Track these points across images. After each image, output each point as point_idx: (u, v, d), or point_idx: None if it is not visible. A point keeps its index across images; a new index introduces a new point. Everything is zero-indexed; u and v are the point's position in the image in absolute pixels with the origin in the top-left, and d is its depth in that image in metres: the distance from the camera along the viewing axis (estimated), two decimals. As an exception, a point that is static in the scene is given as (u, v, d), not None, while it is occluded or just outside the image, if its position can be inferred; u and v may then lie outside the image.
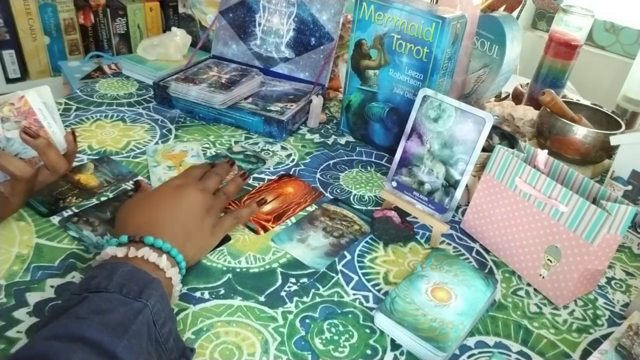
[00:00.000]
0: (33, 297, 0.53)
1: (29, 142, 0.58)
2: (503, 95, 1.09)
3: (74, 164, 0.72)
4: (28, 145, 0.58)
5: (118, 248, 0.50)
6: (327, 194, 0.75)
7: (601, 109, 0.89)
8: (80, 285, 0.45)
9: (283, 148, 0.87)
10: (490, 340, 0.55)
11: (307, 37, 0.98)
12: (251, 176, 0.78)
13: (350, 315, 0.56)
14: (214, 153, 0.83)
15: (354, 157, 0.87)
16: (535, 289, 0.62)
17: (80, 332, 0.38)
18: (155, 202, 0.57)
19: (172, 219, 0.56)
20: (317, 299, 0.57)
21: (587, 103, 0.94)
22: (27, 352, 0.38)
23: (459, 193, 0.64)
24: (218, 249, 0.63)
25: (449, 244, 0.69)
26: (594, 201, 0.59)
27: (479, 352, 0.53)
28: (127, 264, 0.47)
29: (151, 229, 0.53)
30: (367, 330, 0.54)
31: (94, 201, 0.68)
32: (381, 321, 0.54)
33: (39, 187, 0.62)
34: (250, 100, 0.93)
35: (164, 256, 0.51)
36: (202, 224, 0.58)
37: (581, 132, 0.80)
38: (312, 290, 0.58)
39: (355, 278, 0.61)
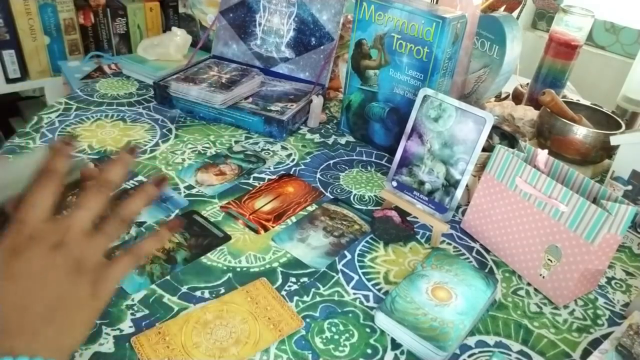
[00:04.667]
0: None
1: None
2: (503, 95, 1.09)
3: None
4: None
5: None
6: (328, 194, 0.75)
7: (601, 109, 0.89)
8: None
9: (283, 148, 0.87)
10: (491, 339, 0.55)
11: (307, 37, 0.98)
12: (251, 176, 0.78)
13: (350, 315, 0.56)
14: (214, 153, 0.83)
15: (354, 157, 0.87)
16: (535, 289, 0.62)
17: None
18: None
19: (20, 313, 0.35)
20: (318, 299, 0.57)
21: (587, 103, 0.94)
22: None
23: (459, 193, 0.64)
24: (218, 248, 0.63)
25: (449, 244, 0.69)
26: (594, 201, 0.59)
27: (480, 352, 0.53)
28: None
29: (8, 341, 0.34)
30: (368, 330, 0.54)
31: (95, 201, 0.68)
32: (381, 320, 0.54)
33: None
34: (250, 100, 0.93)
35: None
36: (73, 296, 0.37)
37: (581, 132, 0.80)
38: (313, 290, 0.58)
39: (356, 277, 0.61)
